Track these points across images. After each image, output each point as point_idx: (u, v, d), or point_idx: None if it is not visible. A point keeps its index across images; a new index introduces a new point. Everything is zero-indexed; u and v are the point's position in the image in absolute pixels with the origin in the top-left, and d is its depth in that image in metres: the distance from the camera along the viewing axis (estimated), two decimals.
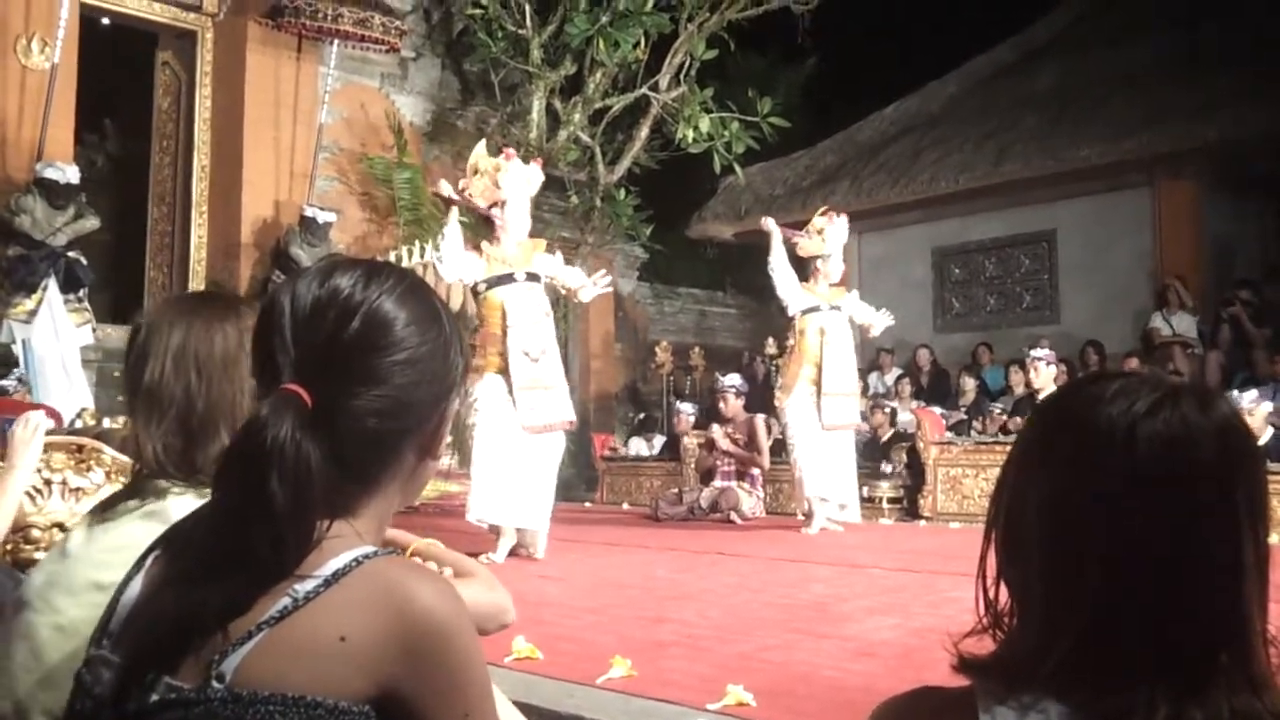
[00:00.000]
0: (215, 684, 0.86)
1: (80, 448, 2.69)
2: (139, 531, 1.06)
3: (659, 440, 11.09)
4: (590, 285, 5.48)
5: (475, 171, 5.31)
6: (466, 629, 0.92)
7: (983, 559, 0.90)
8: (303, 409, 0.91)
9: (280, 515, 0.88)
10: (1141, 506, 0.82)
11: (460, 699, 0.90)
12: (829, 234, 6.72)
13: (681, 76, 10.85)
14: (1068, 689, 0.82)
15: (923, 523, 7.86)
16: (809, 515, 6.56)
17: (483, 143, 5.68)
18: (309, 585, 0.88)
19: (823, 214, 6.91)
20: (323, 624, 0.87)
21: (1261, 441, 6.56)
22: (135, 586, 0.98)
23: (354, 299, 0.95)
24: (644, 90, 10.93)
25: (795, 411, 6.57)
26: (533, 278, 5.23)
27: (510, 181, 5.22)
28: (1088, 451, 0.84)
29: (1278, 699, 0.82)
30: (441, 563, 1.22)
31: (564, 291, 5.52)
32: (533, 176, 5.35)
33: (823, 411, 6.52)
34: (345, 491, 0.95)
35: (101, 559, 1.17)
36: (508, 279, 5.17)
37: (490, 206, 5.25)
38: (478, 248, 5.30)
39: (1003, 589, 0.90)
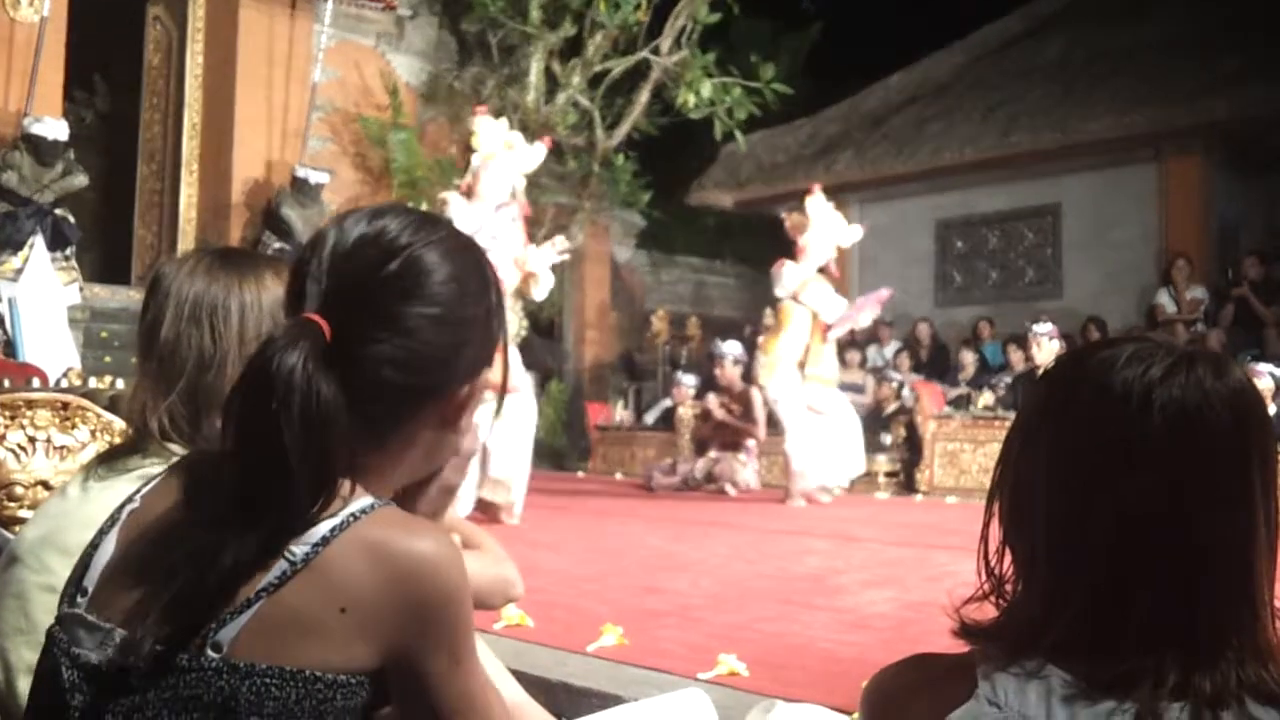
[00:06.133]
0: (210, 653, 0.83)
1: (65, 405, 2.67)
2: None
3: (658, 408, 11.01)
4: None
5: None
6: (459, 575, 0.88)
7: (986, 524, 0.88)
8: (319, 339, 0.87)
9: (290, 450, 0.83)
10: (1154, 472, 0.80)
11: (447, 644, 0.87)
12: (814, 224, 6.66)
13: (683, 40, 10.70)
14: (1072, 657, 0.80)
15: (919, 497, 7.81)
16: (792, 493, 6.52)
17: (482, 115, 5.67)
18: (304, 548, 0.85)
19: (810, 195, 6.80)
20: (320, 591, 0.84)
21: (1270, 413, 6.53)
22: (110, 541, 0.94)
23: (399, 241, 0.92)
24: (645, 54, 10.77)
25: (785, 394, 6.52)
26: None
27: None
28: (1101, 416, 0.82)
29: None
30: (449, 530, 1.18)
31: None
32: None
33: (809, 395, 6.54)
34: (352, 445, 0.89)
35: (98, 519, 1.12)
36: None
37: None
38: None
39: (1005, 556, 0.88)
